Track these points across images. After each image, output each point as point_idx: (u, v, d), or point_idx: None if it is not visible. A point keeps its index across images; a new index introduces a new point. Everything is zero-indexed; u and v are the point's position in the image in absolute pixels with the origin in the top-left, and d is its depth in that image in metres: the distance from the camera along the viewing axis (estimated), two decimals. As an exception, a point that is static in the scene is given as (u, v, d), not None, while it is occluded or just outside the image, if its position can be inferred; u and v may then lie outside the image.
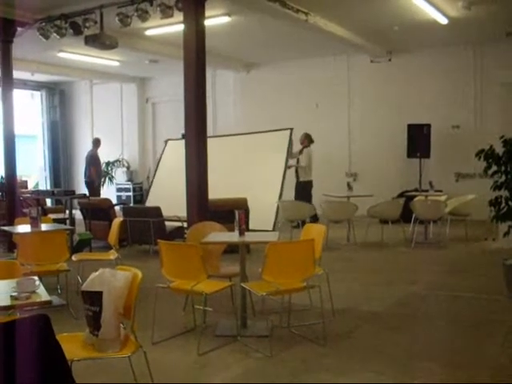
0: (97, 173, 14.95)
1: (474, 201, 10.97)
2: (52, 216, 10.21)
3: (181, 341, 5.29)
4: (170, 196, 12.02)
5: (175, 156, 13.06)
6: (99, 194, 14.67)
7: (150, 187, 14.30)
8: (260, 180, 11.82)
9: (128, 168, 18.14)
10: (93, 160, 14.89)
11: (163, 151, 14.38)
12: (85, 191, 14.03)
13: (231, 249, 6.23)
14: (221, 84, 16.63)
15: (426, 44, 13.61)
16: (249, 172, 12.08)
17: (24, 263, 5.61)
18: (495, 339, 5.24)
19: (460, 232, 10.87)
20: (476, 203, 10.89)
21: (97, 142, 15.15)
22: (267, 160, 12.08)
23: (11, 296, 3.35)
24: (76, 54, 14.06)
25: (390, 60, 14.56)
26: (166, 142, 14.55)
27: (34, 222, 6.86)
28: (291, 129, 12.25)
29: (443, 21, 11.20)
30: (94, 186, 14.72)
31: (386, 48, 14.28)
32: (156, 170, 14.21)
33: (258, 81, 16.18)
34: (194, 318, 5.65)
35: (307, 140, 12.89)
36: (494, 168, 7.30)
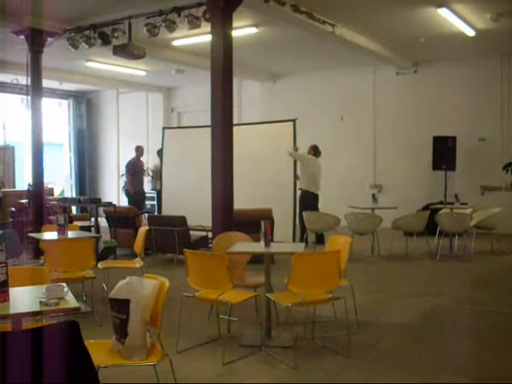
0: (132, 182, 14.07)
1: (500, 214, 10.88)
2: (78, 223, 10.31)
3: (205, 350, 5.30)
4: (182, 190, 12.65)
5: (177, 145, 13.50)
6: (140, 206, 13.40)
7: (160, 183, 13.90)
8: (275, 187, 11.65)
9: (153, 177, 18.23)
10: (129, 168, 14.17)
11: (163, 142, 13.91)
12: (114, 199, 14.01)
13: (256, 259, 6.24)
14: (247, 94, 16.67)
15: (453, 56, 13.54)
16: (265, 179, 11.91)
17: (51, 270, 5.67)
18: (522, 354, 5.19)
19: (485, 245, 10.77)
20: (502, 216, 10.82)
21: (137, 150, 14.43)
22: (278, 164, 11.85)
23: (40, 302, 3.38)
24: (103, 64, 14.22)
25: (415, 72, 14.51)
26: (163, 129, 14.21)
27: (62, 230, 6.94)
28: (294, 120, 11.70)
29: (470, 33, 11.15)
30: (131, 196, 14.08)
31: (412, 60, 14.23)
32: (161, 164, 13.87)
33: (284, 91, 16.22)
34: (219, 327, 5.66)
35: (313, 151, 12.11)
36: (522, 181, 7.25)
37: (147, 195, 17.66)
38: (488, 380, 4.56)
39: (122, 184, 18.18)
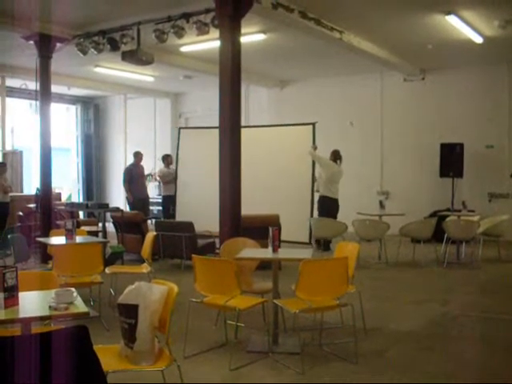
0: (131, 189, 13.63)
1: (508, 221, 10.87)
2: (85, 228, 10.33)
3: (212, 355, 5.31)
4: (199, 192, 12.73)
5: (194, 146, 13.41)
6: (144, 213, 12.82)
7: (175, 186, 13.85)
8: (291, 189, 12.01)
9: (160, 182, 18.23)
10: (125, 175, 13.84)
11: (178, 142, 13.82)
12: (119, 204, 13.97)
13: (263, 265, 6.25)
14: (254, 100, 16.70)
15: (460, 63, 13.54)
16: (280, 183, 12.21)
17: (59, 274, 5.69)
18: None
19: (493, 253, 10.75)
20: (509, 224, 10.80)
21: (135, 156, 14.16)
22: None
23: (50, 306, 3.40)
24: (112, 69, 14.29)
25: (423, 79, 14.52)
26: (179, 129, 14.13)
27: (70, 235, 6.96)
28: (314, 123, 12.10)
29: (478, 40, 11.14)
30: (132, 204, 13.68)
31: (420, 66, 14.24)
32: (177, 165, 13.84)
33: (292, 97, 16.24)
34: (226, 333, 5.66)
35: (333, 156, 12.11)
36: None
37: (154, 201, 17.68)
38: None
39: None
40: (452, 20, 10.02)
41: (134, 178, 13.69)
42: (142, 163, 14.26)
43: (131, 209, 13.62)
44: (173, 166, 14.28)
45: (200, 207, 12.17)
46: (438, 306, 7.29)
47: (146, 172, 18.07)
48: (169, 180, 14.19)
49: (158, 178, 17.37)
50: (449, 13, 9.70)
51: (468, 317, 6.91)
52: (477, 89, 13.70)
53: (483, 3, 9.38)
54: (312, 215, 11.70)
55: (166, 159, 14.48)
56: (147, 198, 14.58)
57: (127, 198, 14.16)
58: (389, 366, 5.03)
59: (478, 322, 6.72)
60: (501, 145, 13.53)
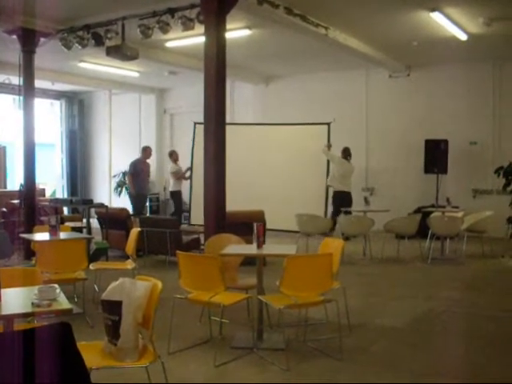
0: (134, 182, 13.53)
1: (491, 217, 10.93)
2: (69, 224, 10.27)
3: (197, 352, 5.30)
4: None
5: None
6: (139, 209, 13.56)
7: (191, 181, 14.09)
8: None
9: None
10: (130, 167, 13.67)
11: (193, 137, 14.08)
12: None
13: (248, 261, 6.24)
14: (239, 96, 16.66)
15: (445, 59, 13.58)
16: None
17: (43, 271, 5.65)
18: (513, 357, 5.22)
19: (477, 249, 10.82)
20: (493, 220, 10.86)
21: (143, 150, 13.99)
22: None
23: (32, 303, 3.37)
24: (96, 65, 14.19)
25: (408, 75, 14.56)
26: (194, 124, 14.13)
27: (53, 231, 6.92)
28: (329, 123, 13.28)
29: (463, 37, 11.19)
30: (133, 197, 13.75)
31: (405, 63, 14.28)
32: (192, 161, 14.02)
33: (277, 94, 16.23)
34: (211, 329, 5.65)
35: (343, 153, 13.14)
36: (514, 185, 7.30)
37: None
38: (480, 382, 4.57)
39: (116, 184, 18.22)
40: (437, 17, 10.05)
41: (138, 172, 13.57)
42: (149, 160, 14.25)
43: (132, 202, 13.65)
44: (179, 162, 14.55)
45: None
46: (422, 302, 7.33)
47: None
48: (180, 176, 14.41)
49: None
50: (433, 10, 9.73)
51: (452, 312, 6.95)
52: (461, 86, 13.75)
53: (468, 0, 9.42)
54: (326, 209, 12.81)
55: (172, 155, 14.59)
56: (147, 194, 14.67)
57: (129, 190, 14.22)
58: (373, 362, 5.05)
59: (462, 317, 6.76)
60: (485, 141, 13.61)
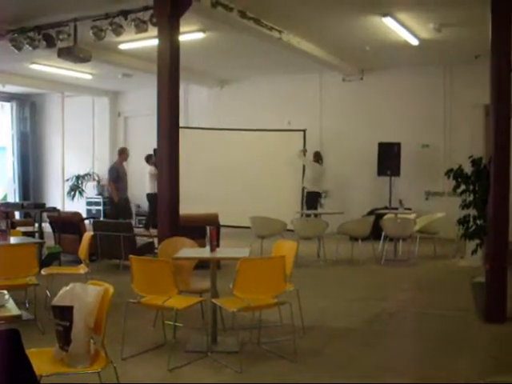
0: (116, 188, 12.65)
1: (443, 219, 11.14)
2: (21, 229, 10.08)
3: (151, 356, 5.26)
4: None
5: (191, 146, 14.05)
6: (124, 214, 12.57)
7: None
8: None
9: (98, 182, 18.02)
10: (112, 173, 12.86)
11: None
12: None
13: (202, 264, 6.23)
14: (194, 99, 16.65)
15: (398, 64, 13.80)
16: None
17: (-8, 277, 5.55)
18: (464, 354, 5.32)
19: (429, 250, 11.00)
20: (445, 221, 11.05)
21: (121, 152, 13.21)
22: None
23: (-20, 310, 3.31)
24: (48, 66, 13.97)
25: (361, 79, 14.74)
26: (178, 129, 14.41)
27: (3, 235, 6.77)
28: (304, 130, 14.06)
29: (414, 42, 11.39)
30: (117, 205, 12.77)
31: (358, 67, 14.45)
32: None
33: (232, 96, 16.24)
34: (164, 333, 5.62)
35: (315, 157, 13.80)
36: (463, 187, 7.46)
37: (92, 200, 17.46)
38: (430, 381, 4.65)
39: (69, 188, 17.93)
40: (389, 22, 10.21)
41: (121, 177, 12.77)
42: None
43: (115, 209, 12.84)
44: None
45: (200, 200, 13.28)
46: (375, 303, 7.41)
47: (85, 171, 17.87)
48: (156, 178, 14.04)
49: (96, 178, 17.15)
50: (385, 15, 9.88)
51: (405, 313, 7.06)
52: (413, 89, 13.98)
53: (419, 6, 9.59)
54: (302, 209, 13.31)
55: (151, 159, 13.98)
56: (129, 198, 13.77)
57: (111, 197, 13.22)
58: (326, 363, 5.08)
59: (414, 317, 6.88)
60: (436, 144, 13.86)
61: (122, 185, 12.82)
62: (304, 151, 13.87)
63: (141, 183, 14.55)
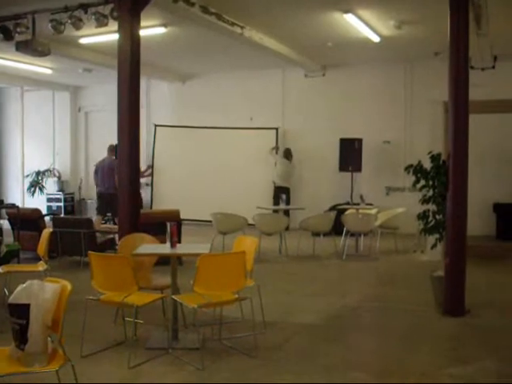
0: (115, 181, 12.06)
1: (404, 214, 11.26)
2: (-22, 226, 9.91)
3: (111, 354, 5.22)
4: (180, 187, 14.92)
5: (170, 144, 15.50)
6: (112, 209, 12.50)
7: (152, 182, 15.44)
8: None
9: (59, 178, 17.78)
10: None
11: (154, 139, 15.50)
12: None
13: (163, 261, 6.19)
14: (156, 94, 16.55)
15: (359, 60, 13.90)
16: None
17: None
18: (423, 348, 5.38)
19: (390, 245, 11.11)
20: (405, 217, 11.17)
21: (112, 150, 12.90)
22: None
23: None
24: (6, 60, 13.70)
25: (323, 75, 14.79)
26: (155, 127, 15.38)
27: (-41, 233, 6.65)
28: (277, 128, 14.73)
29: (375, 39, 11.47)
30: (101, 198, 12.90)
31: (320, 63, 14.50)
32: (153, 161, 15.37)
33: (194, 92, 16.17)
34: (125, 330, 5.57)
35: (286, 154, 14.22)
36: (422, 182, 7.54)
37: (52, 196, 17.22)
38: (392, 375, 4.70)
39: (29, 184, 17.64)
40: (350, 19, 10.25)
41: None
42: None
43: (102, 203, 12.93)
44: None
45: (175, 195, 14.57)
46: (337, 298, 7.46)
47: (45, 167, 17.61)
48: (141, 174, 13.80)
49: (57, 174, 16.91)
50: (347, 11, 9.91)
51: (366, 307, 7.11)
52: (375, 86, 14.09)
53: (379, 3, 9.65)
54: (274, 204, 13.48)
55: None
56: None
57: (99, 192, 13.14)
58: (287, 359, 5.10)
59: (376, 312, 6.94)
60: (397, 140, 13.99)
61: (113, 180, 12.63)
62: (276, 148, 14.27)
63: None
